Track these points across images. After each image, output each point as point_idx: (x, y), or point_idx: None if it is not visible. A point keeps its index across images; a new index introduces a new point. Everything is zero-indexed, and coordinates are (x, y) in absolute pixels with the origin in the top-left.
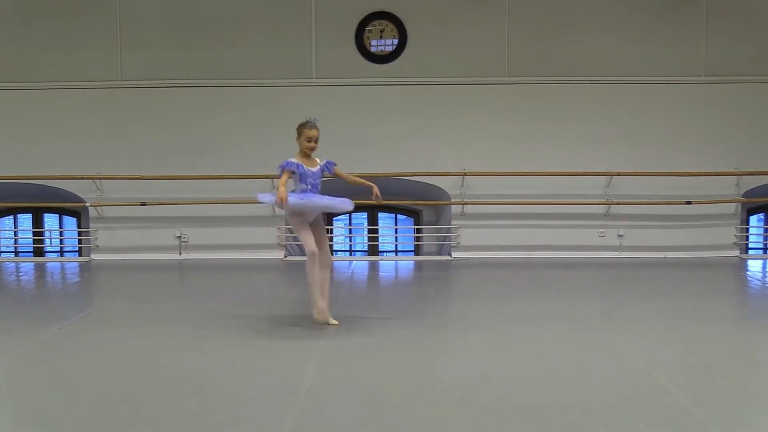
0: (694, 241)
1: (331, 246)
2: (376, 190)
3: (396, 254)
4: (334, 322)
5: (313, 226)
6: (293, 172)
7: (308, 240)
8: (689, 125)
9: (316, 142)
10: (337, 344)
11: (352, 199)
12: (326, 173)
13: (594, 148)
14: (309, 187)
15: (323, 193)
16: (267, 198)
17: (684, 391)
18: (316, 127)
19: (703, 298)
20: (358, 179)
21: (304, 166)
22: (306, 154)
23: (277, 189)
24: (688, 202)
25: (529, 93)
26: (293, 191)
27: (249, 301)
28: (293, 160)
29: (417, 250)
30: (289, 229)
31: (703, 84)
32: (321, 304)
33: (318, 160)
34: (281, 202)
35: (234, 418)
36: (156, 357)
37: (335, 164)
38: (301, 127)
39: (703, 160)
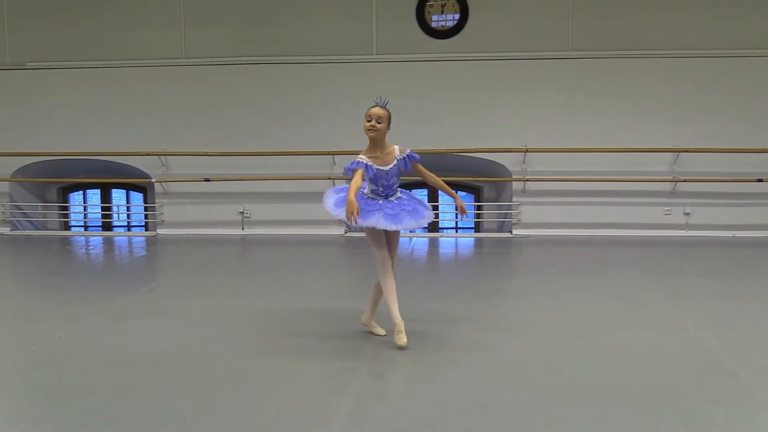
0: (765, 219)
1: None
2: (459, 202)
3: (456, 231)
4: (381, 331)
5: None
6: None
7: (380, 247)
8: (760, 100)
9: (378, 122)
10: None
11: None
12: (403, 170)
13: (660, 123)
14: (380, 189)
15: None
16: (337, 212)
17: (752, 373)
18: (379, 106)
19: None
20: (444, 185)
21: (374, 166)
22: (373, 141)
23: (348, 198)
24: (760, 180)
25: (593, 67)
26: (364, 191)
27: (310, 277)
28: (362, 157)
29: (477, 227)
30: None
31: None
32: (398, 321)
33: (396, 152)
34: (352, 217)
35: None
36: (219, 331)
37: (418, 159)
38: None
39: None
